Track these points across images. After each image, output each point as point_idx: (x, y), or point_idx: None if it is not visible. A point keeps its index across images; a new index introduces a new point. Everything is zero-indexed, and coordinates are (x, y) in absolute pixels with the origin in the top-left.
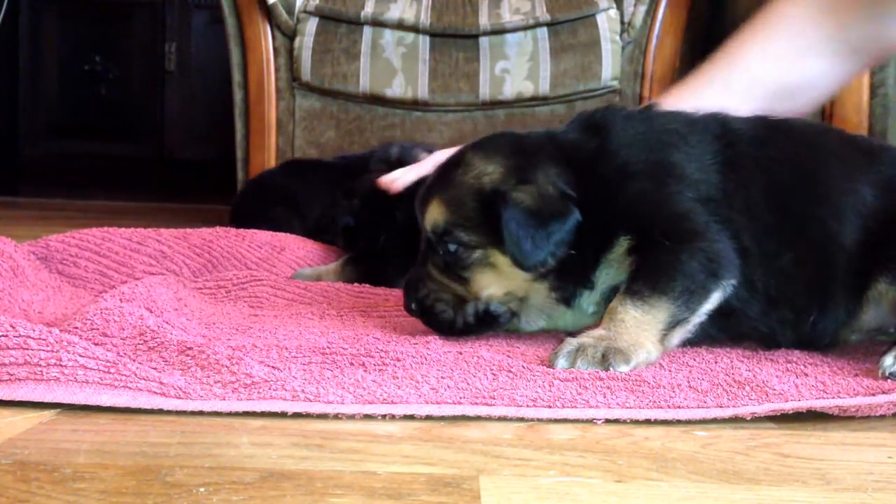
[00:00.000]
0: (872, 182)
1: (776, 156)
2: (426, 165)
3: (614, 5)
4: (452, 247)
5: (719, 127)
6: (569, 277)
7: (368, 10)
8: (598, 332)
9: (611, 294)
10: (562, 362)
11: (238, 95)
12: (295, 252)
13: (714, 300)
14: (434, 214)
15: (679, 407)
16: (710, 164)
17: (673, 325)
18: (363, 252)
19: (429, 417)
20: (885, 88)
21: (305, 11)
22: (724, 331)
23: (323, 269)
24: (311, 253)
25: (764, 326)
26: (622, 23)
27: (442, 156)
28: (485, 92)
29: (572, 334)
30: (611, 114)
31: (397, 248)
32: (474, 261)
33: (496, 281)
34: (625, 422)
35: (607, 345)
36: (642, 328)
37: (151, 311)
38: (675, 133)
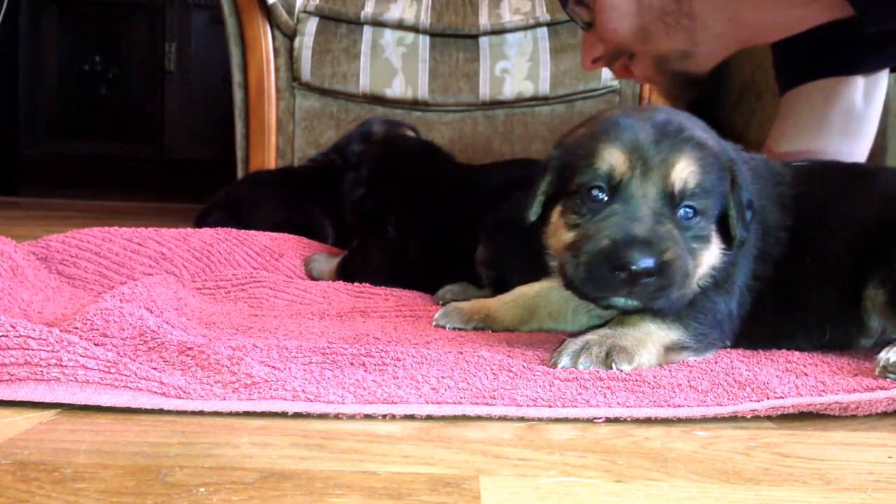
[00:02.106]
0: (870, 200)
1: (800, 194)
2: None
3: None
4: (690, 212)
5: (772, 169)
6: None
7: (368, 10)
8: (604, 330)
9: None
10: (565, 360)
11: (238, 95)
12: (293, 260)
13: (711, 353)
14: (687, 171)
15: (679, 406)
16: (775, 210)
17: (678, 348)
18: (356, 249)
19: (429, 417)
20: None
21: (305, 11)
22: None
23: (326, 270)
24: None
25: (777, 349)
26: None
27: None
28: (485, 92)
29: (573, 335)
30: None
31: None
32: (707, 233)
33: (709, 259)
34: (625, 421)
35: (612, 342)
36: (650, 336)
37: (151, 312)
38: (763, 178)
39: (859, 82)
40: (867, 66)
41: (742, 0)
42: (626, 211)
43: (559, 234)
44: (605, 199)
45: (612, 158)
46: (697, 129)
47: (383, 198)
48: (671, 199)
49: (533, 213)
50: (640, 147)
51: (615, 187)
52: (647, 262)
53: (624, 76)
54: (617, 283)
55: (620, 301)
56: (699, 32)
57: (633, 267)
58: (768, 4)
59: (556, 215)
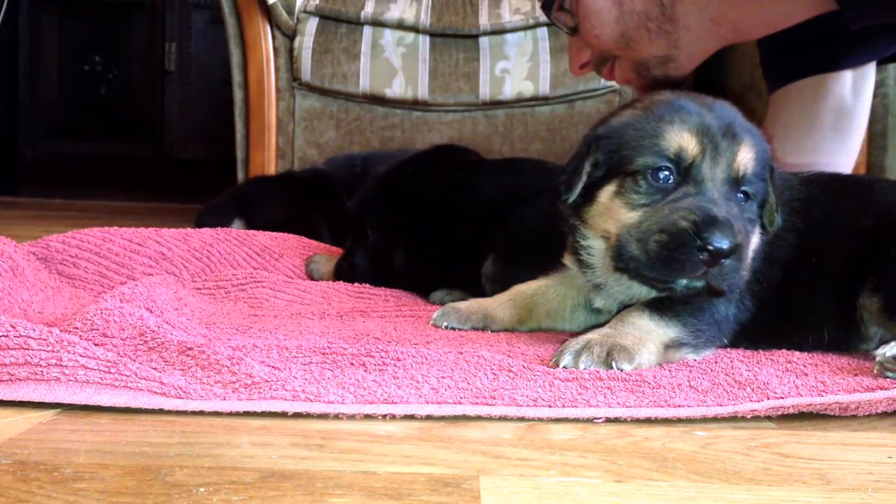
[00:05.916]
0: (867, 209)
1: (806, 200)
2: None
3: None
4: (743, 197)
5: (780, 174)
6: None
7: (368, 10)
8: (605, 329)
9: (625, 305)
10: (567, 359)
11: (238, 95)
12: (293, 260)
13: (710, 350)
14: (748, 157)
15: (679, 406)
16: (785, 213)
17: (677, 346)
18: (352, 248)
19: (429, 417)
20: (885, 88)
21: (305, 11)
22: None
23: (326, 271)
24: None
25: (777, 349)
26: None
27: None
28: (485, 92)
29: (574, 335)
30: None
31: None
32: (755, 216)
33: (754, 242)
34: (625, 421)
35: (613, 342)
36: (650, 334)
37: (151, 312)
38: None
39: (847, 77)
40: (855, 61)
41: None
42: (700, 193)
43: (616, 215)
44: (673, 180)
45: (683, 141)
46: (757, 129)
47: (362, 196)
48: (734, 184)
49: (576, 195)
50: (710, 131)
51: (685, 170)
52: (729, 243)
53: (612, 79)
54: (694, 264)
55: (684, 282)
56: (681, 36)
57: (718, 247)
58: (752, 2)
59: (606, 195)
